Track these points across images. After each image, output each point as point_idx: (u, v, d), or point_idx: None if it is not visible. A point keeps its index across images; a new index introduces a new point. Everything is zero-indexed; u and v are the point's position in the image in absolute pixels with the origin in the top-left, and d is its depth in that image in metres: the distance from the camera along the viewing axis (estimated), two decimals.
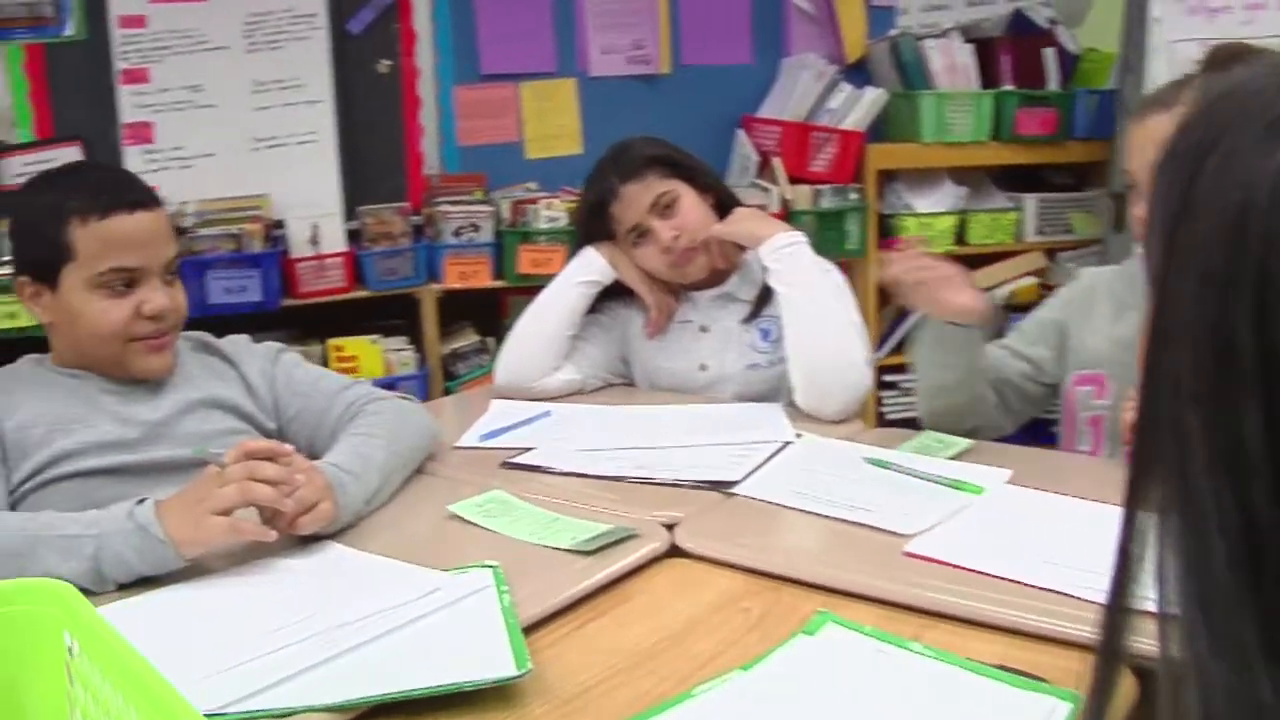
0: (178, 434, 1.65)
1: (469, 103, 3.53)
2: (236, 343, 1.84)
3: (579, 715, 0.99)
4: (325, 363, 3.23)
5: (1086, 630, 1.05)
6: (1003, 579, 1.18)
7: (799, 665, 1.05)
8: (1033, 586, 1.16)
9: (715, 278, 2.10)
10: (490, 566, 1.26)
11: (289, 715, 0.96)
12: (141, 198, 1.61)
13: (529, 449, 1.78)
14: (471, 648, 1.07)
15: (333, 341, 3.28)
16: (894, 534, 1.32)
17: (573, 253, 2.19)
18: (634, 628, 1.16)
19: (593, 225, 2.13)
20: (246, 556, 1.37)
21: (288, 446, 1.40)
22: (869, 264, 3.48)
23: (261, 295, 3.16)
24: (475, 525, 1.44)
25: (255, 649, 1.08)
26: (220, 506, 1.28)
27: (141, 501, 1.32)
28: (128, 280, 1.60)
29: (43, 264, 1.61)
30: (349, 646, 1.08)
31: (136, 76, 3.34)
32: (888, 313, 3.57)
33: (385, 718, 0.99)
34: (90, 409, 1.62)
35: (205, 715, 0.95)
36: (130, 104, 3.35)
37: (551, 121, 3.56)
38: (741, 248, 2.05)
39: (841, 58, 3.62)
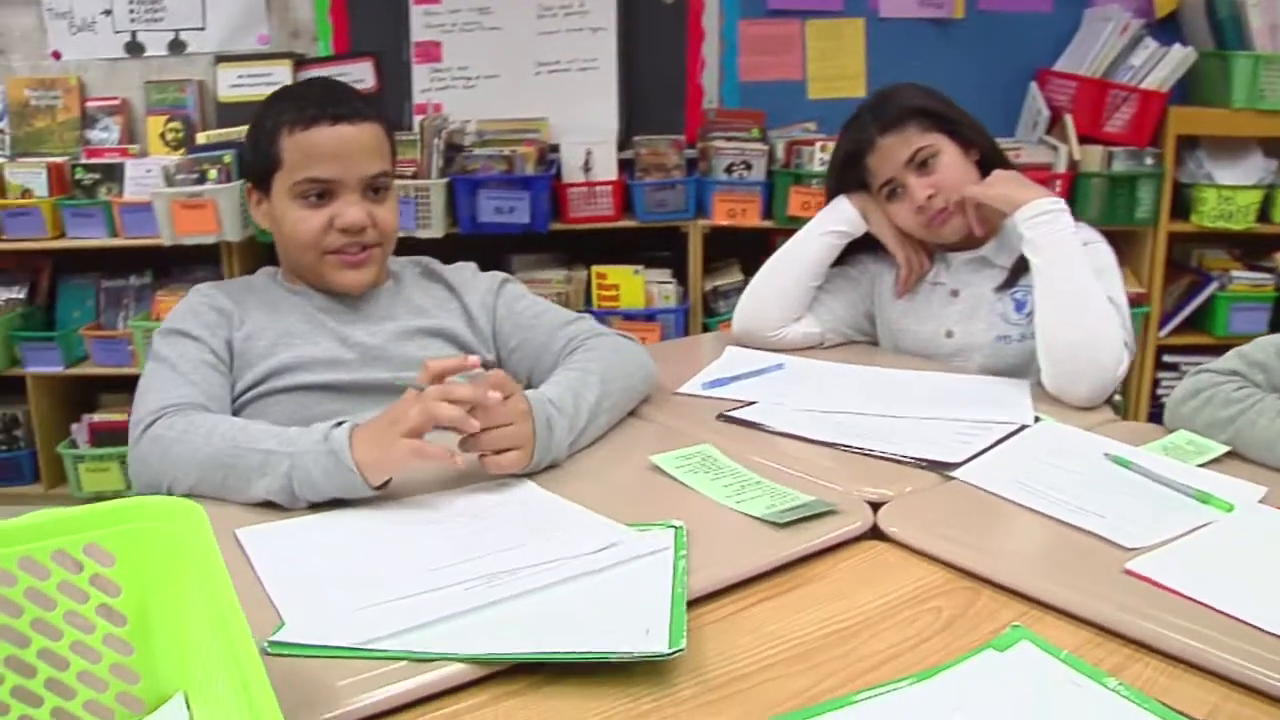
0: (394, 358, 1.67)
1: (753, 38, 3.47)
2: (462, 271, 1.84)
3: (726, 705, 0.93)
4: (588, 289, 3.28)
5: None
6: (1233, 617, 1.03)
7: (977, 686, 0.95)
8: (1268, 632, 1.00)
9: (972, 240, 1.96)
10: (674, 527, 1.21)
11: (426, 660, 0.94)
12: (346, 111, 1.62)
13: (750, 403, 1.71)
14: (631, 614, 1.02)
15: (596, 268, 3.31)
16: (1118, 545, 1.18)
17: (827, 201, 2.09)
18: (809, 614, 1.08)
19: (846, 175, 2.02)
20: (437, 484, 1.37)
21: (473, 358, 1.37)
22: (1160, 234, 3.21)
23: (529, 218, 3.20)
24: (673, 479, 1.39)
25: (413, 586, 1.07)
26: (406, 429, 1.28)
27: (341, 424, 1.33)
28: (322, 191, 1.63)
29: (260, 171, 1.67)
30: (507, 595, 1.05)
31: None
32: (1175, 289, 3.30)
33: (524, 674, 0.96)
34: (313, 327, 1.67)
35: (344, 649, 0.95)
36: (421, 23, 3.45)
37: (835, 62, 3.45)
38: (1001, 213, 1.89)
39: (1150, 11, 3.32)
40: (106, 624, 0.81)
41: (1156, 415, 3.24)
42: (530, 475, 1.41)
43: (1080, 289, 1.73)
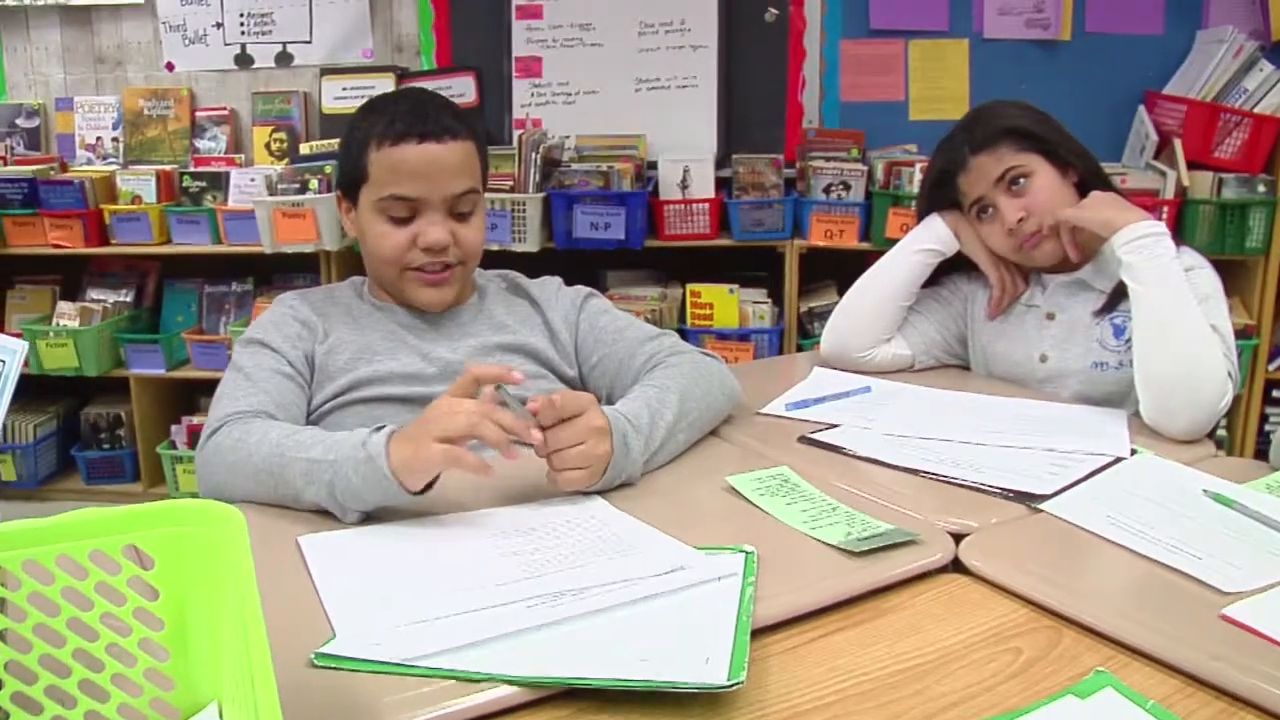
0: None
1: (854, 57, 3.43)
2: (546, 285, 1.82)
3: None
4: (683, 307, 3.25)
5: None
6: None
7: None
8: None
9: (1069, 261, 1.87)
10: (745, 552, 1.17)
11: (476, 680, 0.91)
12: (435, 129, 1.60)
13: (833, 426, 1.66)
14: (691, 642, 0.98)
15: (691, 287, 3.28)
16: (1215, 589, 1.11)
17: (917, 220, 2.04)
18: (881, 648, 1.04)
19: (936, 194, 1.97)
20: (504, 499, 1.35)
21: (516, 374, 1.33)
22: (1271, 264, 3.08)
23: (624, 234, 3.18)
24: (749, 502, 1.35)
25: (473, 601, 1.05)
26: (443, 434, 1.23)
27: (381, 428, 1.30)
28: (407, 209, 1.62)
29: (349, 182, 1.67)
30: (566, 616, 1.02)
31: (531, 12, 3.45)
32: None
33: (575, 699, 0.92)
34: (395, 343, 1.66)
35: (392, 665, 0.93)
36: (523, 38, 3.47)
37: (938, 83, 3.39)
38: (1100, 236, 1.82)
39: (1266, 33, 3.19)
40: (143, 628, 0.80)
41: (1264, 452, 3.11)
42: (602, 492, 1.38)
43: (1181, 317, 1.65)
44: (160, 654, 0.80)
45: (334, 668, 0.94)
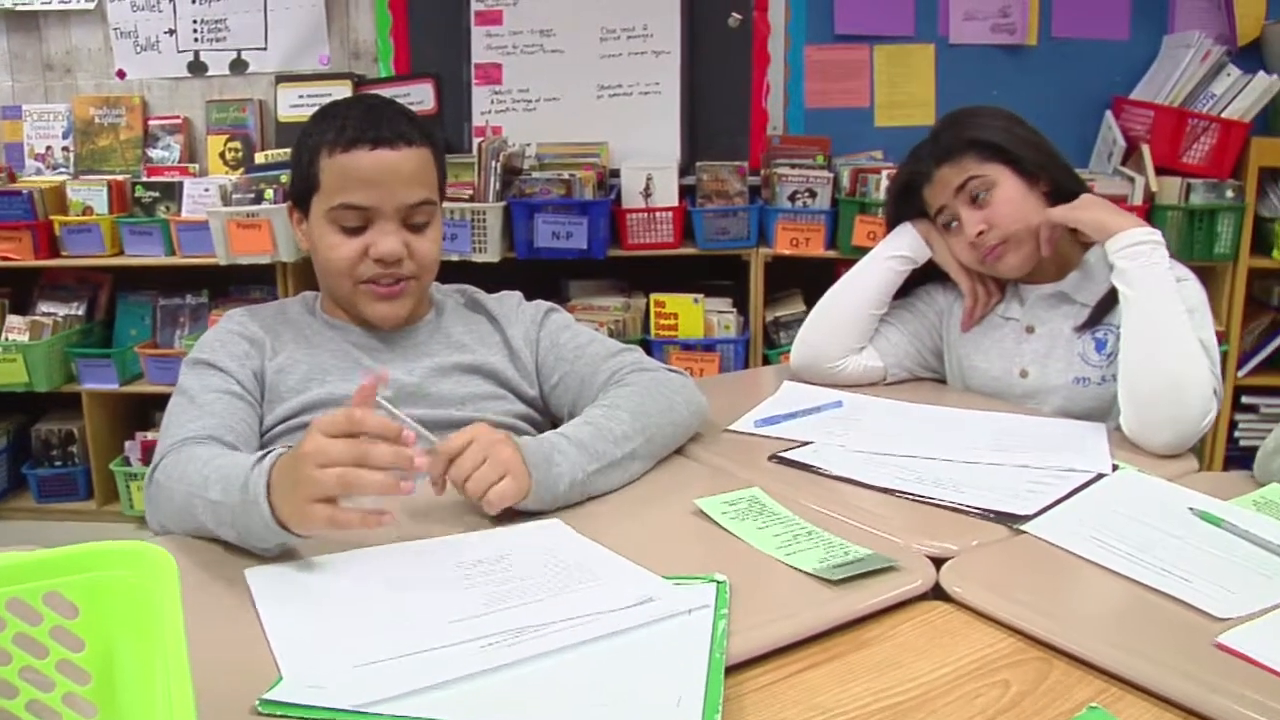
0: (431, 395, 1.59)
1: (820, 63, 3.40)
2: (505, 301, 1.76)
3: None
4: (647, 317, 3.20)
5: None
6: None
7: None
8: None
9: (1048, 272, 1.84)
10: (716, 581, 1.11)
11: None
12: (388, 135, 1.53)
13: (805, 443, 1.61)
14: (662, 681, 0.92)
15: (655, 296, 3.24)
16: (1208, 615, 1.07)
17: (887, 230, 2.00)
18: (861, 684, 0.98)
19: (901, 206, 1.94)
20: (463, 524, 1.30)
21: (409, 434, 1.16)
22: (1239, 270, 3.06)
23: (586, 243, 3.13)
24: (718, 526, 1.29)
25: (429, 640, 0.98)
26: (318, 495, 1.13)
27: (265, 455, 1.21)
28: (359, 218, 1.55)
29: (301, 191, 1.61)
30: (527, 656, 0.96)
31: (491, 18, 3.40)
32: (1255, 327, 3.15)
33: None
34: (348, 364, 1.60)
35: (342, 711, 0.86)
36: (482, 45, 3.42)
37: (904, 88, 3.36)
38: (1082, 245, 1.77)
39: (1232, 38, 3.19)
40: (68, 682, 0.73)
41: (1234, 459, 3.11)
42: (560, 514, 1.32)
43: (1172, 329, 1.61)
44: (87, 709, 0.74)
45: (280, 715, 0.87)
